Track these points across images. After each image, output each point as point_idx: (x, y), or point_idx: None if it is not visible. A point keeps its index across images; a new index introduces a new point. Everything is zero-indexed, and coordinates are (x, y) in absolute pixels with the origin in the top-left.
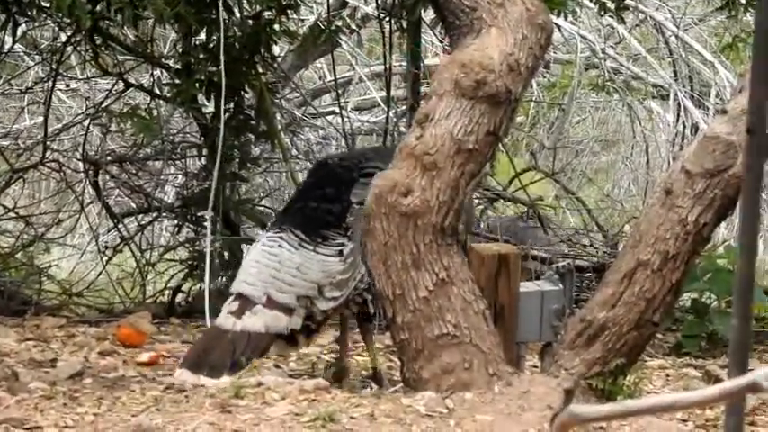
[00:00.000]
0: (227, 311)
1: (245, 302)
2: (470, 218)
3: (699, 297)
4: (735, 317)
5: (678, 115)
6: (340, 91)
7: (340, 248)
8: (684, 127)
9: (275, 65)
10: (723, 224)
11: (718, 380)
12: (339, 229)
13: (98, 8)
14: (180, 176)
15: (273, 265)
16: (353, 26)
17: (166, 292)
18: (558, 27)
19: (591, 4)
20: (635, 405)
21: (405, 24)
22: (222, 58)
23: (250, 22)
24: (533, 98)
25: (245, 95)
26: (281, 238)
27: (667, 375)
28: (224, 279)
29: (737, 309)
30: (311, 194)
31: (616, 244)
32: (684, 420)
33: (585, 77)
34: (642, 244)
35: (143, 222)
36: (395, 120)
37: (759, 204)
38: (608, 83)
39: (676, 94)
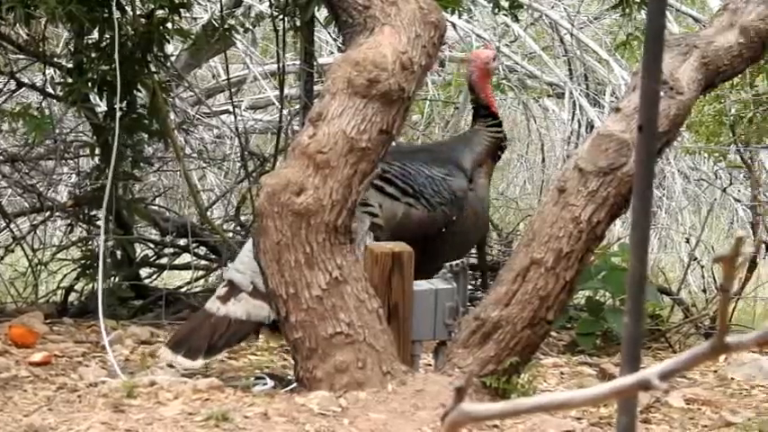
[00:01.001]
0: (215, 296)
1: (233, 289)
2: (485, 223)
3: (593, 295)
4: (627, 315)
5: (573, 113)
6: (235, 90)
7: None
8: (580, 125)
9: (168, 64)
10: (619, 222)
11: (612, 378)
12: None
13: None
14: (73, 176)
15: None
16: (248, 25)
17: (59, 291)
18: (453, 25)
19: (485, 3)
20: (527, 403)
21: (298, 23)
22: (117, 57)
23: (143, 20)
24: (428, 96)
25: (138, 94)
26: None
27: (562, 373)
28: (116, 279)
29: (629, 307)
30: None
31: (511, 242)
32: (579, 418)
33: None
34: (536, 242)
35: (35, 222)
36: (288, 118)
37: (650, 202)
38: (503, 81)
39: (571, 93)
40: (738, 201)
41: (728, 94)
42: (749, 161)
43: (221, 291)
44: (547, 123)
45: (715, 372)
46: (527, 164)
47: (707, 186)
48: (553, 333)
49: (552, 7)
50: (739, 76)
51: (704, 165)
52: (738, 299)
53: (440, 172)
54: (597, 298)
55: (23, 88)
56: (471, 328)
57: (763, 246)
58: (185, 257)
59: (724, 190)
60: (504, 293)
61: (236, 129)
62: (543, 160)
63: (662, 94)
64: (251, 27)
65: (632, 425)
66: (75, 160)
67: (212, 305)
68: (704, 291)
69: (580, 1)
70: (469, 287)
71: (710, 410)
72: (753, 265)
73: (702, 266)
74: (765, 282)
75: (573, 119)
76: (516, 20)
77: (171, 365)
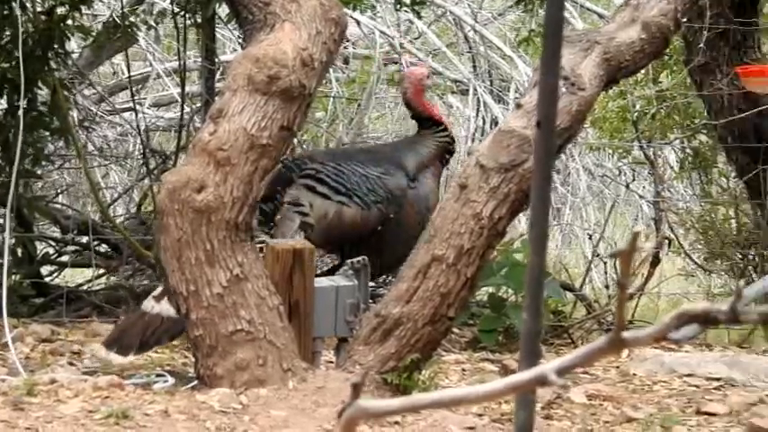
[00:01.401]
0: (151, 295)
1: (168, 289)
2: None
3: (495, 291)
4: (525, 311)
5: (478, 110)
6: (138, 87)
7: (261, 246)
8: (484, 122)
9: (69, 61)
10: (523, 218)
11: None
12: (264, 227)
13: None
14: None
15: None
16: (150, 22)
17: None
18: (357, 22)
19: None
20: (424, 399)
21: (199, 20)
22: (20, 54)
23: (43, 17)
24: (333, 93)
25: (39, 92)
26: None
27: (464, 370)
28: (17, 276)
29: (528, 302)
30: None
31: None
32: (480, 415)
33: (384, 73)
34: (437, 239)
35: None
36: (190, 116)
37: (549, 198)
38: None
39: (476, 89)
40: (642, 197)
41: (632, 90)
42: (652, 157)
43: (157, 290)
44: (451, 120)
45: (617, 367)
46: None
47: (610, 182)
48: (455, 329)
49: (456, 4)
50: (643, 71)
51: (609, 161)
52: (641, 294)
53: (375, 171)
54: (499, 294)
55: None
56: (372, 324)
57: (666, 242)
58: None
59: (627, 186)
60: (406, 290)
61: (138, 126)
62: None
63: (563, 90)
64: (153, 24)
65: (531, 420)
66: None
67: (147, 304)
68: (607, 287)
69: None
70: (371, 284)
71: (612, 406)
72: (656, 260)
73: (605, 263)
74: (669, 277)
75: (477, 115)
76: (419, 16)
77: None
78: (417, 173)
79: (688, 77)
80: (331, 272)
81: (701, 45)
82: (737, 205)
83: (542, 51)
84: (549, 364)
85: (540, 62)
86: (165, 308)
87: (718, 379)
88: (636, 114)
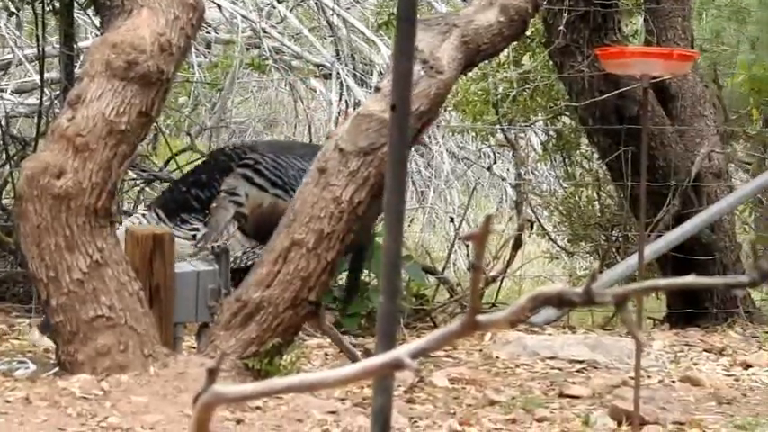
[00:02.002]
0: None
1: None
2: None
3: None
4: (381, 294)
5: (341, 94)
6: (0, 73)
7: (194, 233)
8: (347, 106)
9: None
10: None
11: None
12: (199, 214)
13: None
14: None
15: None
16: (12, 8)
17: None
18: (219, 6)
19: None
20: (280, 384)
21: (58, 5)
22: None
23: None
24: (195, 79)
25: None
26: (143, 215)
27: (326, 354)
28: None
29: (384, 285)
30: (188, 178)
31: None
32: (342, 399)
33: (247, 57)
34: (297, 223)
35: None
36: (50, 102)
37: (405, 181)
38: (266, 62)
39: (338, 73)
40: (504, 179)
41: (494, 73)
42: (514, 140)
43: None
44: (314, 104)
45: (480, 351)
46: None
47: (471, 165)
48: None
49: None
50: (505, 54)
51: (472, 144)
52: (504, 277)
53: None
54: (362, 278)
55: None
56: (233, 309)
57: (529, 224)
58: None
59: (489, 169)
60: (266, 275)
61: None
62: (311, 142)
63: (422, 73)
64: (15, 10)
65: (388, 404)
66: None
67: None
68: (469, 270)
69: None
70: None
71: (475, 389)
72: (518, 243)
73: (467, 246)
74: (532, 259)
75: (341, 99)
76: (279, 0)
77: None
78: None
79: (549, 60)
80: None
81: (562, 27)
82: (600, 187)
83: (396, 35)
84: (403, 348)
85: (394, 46)
86: None
87: (580, 361)
88: (498, 97)
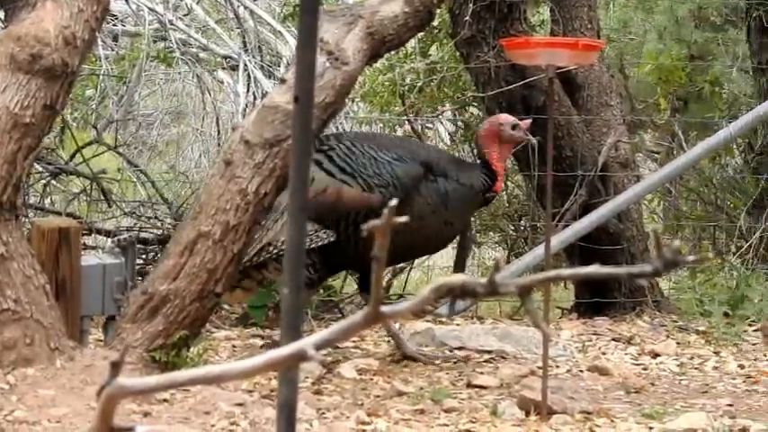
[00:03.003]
0: None
1: None
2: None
3: None
4: (286, 285)
5: (249, 86)
6: None
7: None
8: (255, 97)
9: None
10: None
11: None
12: None
13: None
14: None
15: None
16: None
17: None
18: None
19: None
20: (183, 376)
21: None
22: None
23: None
24: (102, 71)
25: None
26: None
27: (234, 346)
28: None
29: (288, 277)
30: None
31: (182, 215)
32: (250, 391)
33: (155, 50)
34: (203, 215)
35: None
36: None
37: (308, 172)
38: (172, 54)
39: (246, 65)
40: None
41: (402, 64)
42: (420, 131)
43: None
44: (222, 96)
45: (388, 342)
46: (202, 137)
47: None
48: (225, 306)
49: None
50: (413, 45)
51: None
52: (411, 269)
53: (387, 156)
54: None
55: None
56: (139, 302)
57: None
58: None
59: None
60: (173, 267)
61: None
62: (219, 134)
63: (327, 64)
64: None
65: (293, 396)
66: None
67: None
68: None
69: None
70: (139, 261)
71: (383, 380)
72: None
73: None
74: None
75: (248, 91)
76: None
77: None
78: (446, 175)
79: (456, 51)
80: (323, 249)
81: (467, 18)
82: (507, 177)
83: (299, 27)
84: (307, 340)
85: (297, 38)
86: None
87: (489, 351)
88: (406, 88)
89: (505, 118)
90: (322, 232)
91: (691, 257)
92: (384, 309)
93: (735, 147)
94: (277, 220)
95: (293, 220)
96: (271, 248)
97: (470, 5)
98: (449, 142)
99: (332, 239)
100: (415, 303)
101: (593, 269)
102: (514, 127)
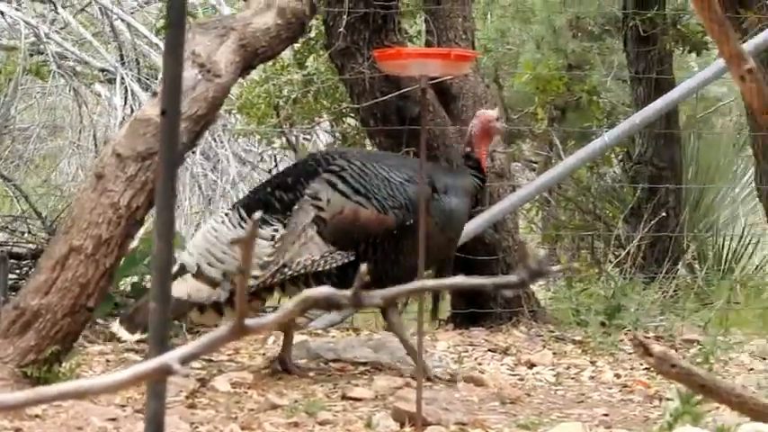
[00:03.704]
0: None
1: (182, 270)
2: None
3: (139, 281)
4: (153, 299)
5: (126, 99)
6: None
7: (273, 233)
8: (132, 111)
9: None
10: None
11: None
12: (281, 215)
13: None
14: None
15: (211, 239)
16: None
17: None
18: (2, 13)
19: None
20: (50, 391)
21: None
22: None
23: None
24: None
25: None
26: (226, 215)
27: (108, 361)
28: None
29: (155, 291)
30: (275, 180)
31: (55, 230)
32: (123, 406)
33: (31, 63)
34: (75, 229)
35: None
36: None
37: (175, 186)
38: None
39: (123, 78)
40: None
41: (279, 75)
42: (295, 142)
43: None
44: (99, 110)
45: (263, 355)
46: (79, 151)
47: (251, 169)
48: (99, 321)
49: None
50: (290, 56)
51: (259, 147)
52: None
53: (399, 176)
54: (142, 284)
55: None
56: (11, 317)
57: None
58: None
59: (270, 172)
60: (44, 281)
61: None
62: (96, 147)
63: (199, 77)
64: None
65: (161, 409)
66: None
67: None
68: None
69: None
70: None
71: (257, 393)
72: None
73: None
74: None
75: (126, 104)
76: (56, 10)
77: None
78: (447, 190)
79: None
80: (342, 269)
81: (342, 29)
82: None
83: (166, 40)
84: (172, 353)
85: (164, 51)
86: (176, 289)
87: (364, 363)
88: (281, 99)
89: (492, 113)
90: (337, 254)
91: (556, 267)
92: (249, 322)
93: (613, 156)
94: (294, 242)
95: (161, 234)
96: (286, 270)
97: (345, 17)
98: None
99: (349, 260)
100: (280, 316)
101: (459, 280)
102: (499, 119)
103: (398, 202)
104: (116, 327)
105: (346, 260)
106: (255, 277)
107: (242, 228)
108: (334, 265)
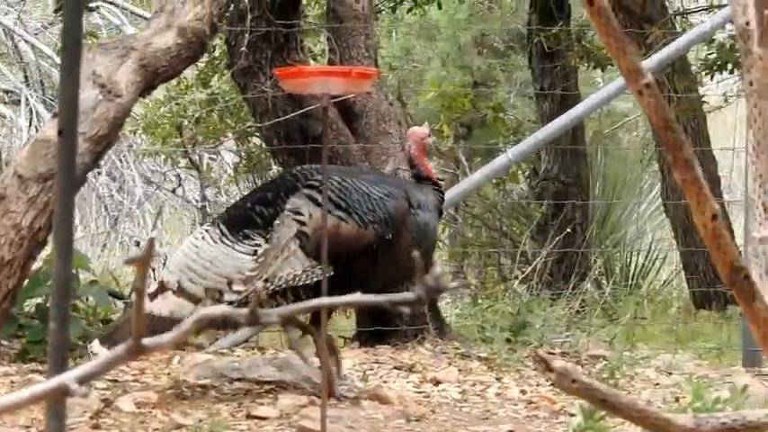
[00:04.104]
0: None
1: (162, 287)
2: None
3: (43, 302)
4: (52, 320)
5: (31, 120)
6: None
7: (255, 248)
8: (38, 131)
9: None
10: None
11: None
12: (262, 230)
13: None
14: None
15: (191, 255)
16: None
17: None
18: None
19: None
20: None
21: None
22: None
23: None
24: None
25: None
26: (207, 231)
27: (12, 382)
28: None
29: (54, 311)
30: (254, 195)
31: None
32: (27, 427)
33: None
34: None
35: None
36: None
37: (73, 206)
38: None
39: (27, 99)
40: (189, 201)
41: (183, 95)
42: (198, 162)
43: (152, 289)
44: (4, 131)
45: (168, 374)
46: None
47: (155, 189)
48: (3, 342)
49: (6, 14)
50: (194, 76)
51: (165, 167)
52: None
53: (378, 192)
54: (47, 305)
55: None
56: None
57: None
58: None
59: (173, 191)
60: None
61: None
62: (1, 169)
63: (100, 97)
64: None
65: (62, 429)
66: None
67: None
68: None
69: (34, 7)
70: None
71: (162, 413)
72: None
73: (154, 269)
74: None
75: (30, 125)
76: None
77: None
78: (420, 205)
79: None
80: (318, 284)
81: (244, 48)
82: None
83: (62, 61)
84: (70, 373)
85: (60, 72)
86: (157, 306)
87: (269, 382)
88: (185, 119)
89: (422, 130)
90: (317, 269)
91: (453, 283)
92: (145, 341)
93: (519, 173)
94: (277, 256)
95: (59, 253)
96: (268, 284)
97: (247, 35)
98: (232, 173)
99: (327, 275)
100: (177, 335)
101: (357, 297)
102: (429, 134)
103: (378, 217)
104: (96, 346)
105: (325, 276)
106: (238, 292)
107: (223, 243)
108: (314, 279)
